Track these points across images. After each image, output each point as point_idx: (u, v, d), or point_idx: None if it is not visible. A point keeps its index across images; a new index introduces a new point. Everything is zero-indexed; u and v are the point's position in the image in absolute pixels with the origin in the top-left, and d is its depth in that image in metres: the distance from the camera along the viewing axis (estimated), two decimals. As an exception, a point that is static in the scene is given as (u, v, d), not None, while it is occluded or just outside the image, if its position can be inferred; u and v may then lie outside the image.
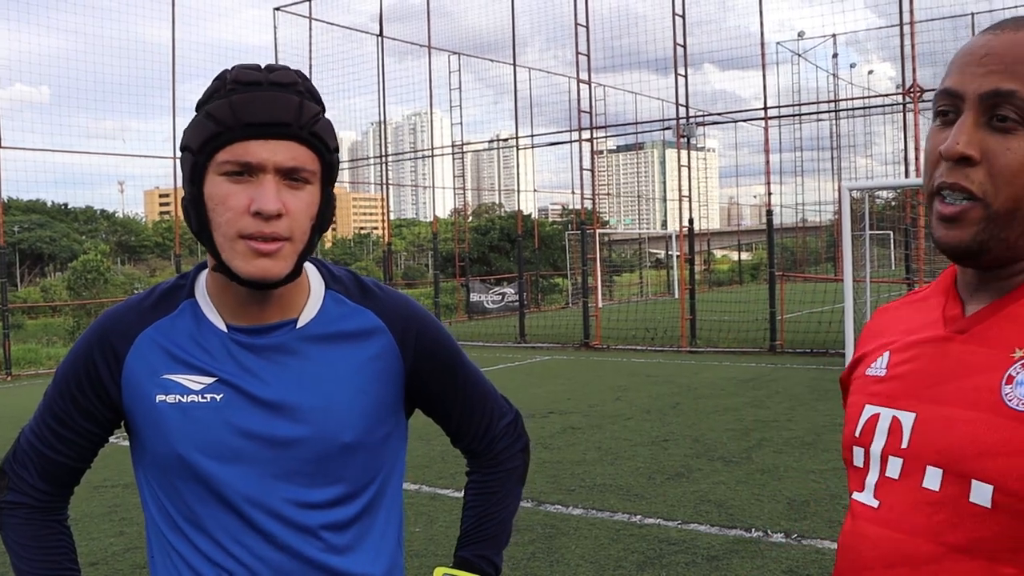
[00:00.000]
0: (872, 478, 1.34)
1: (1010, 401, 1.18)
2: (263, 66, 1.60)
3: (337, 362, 1.69)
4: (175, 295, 1.72)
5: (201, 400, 1.62)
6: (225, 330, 1.66)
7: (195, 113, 1.59)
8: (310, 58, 27.71)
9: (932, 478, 1.24)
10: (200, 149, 1.54)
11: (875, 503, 1.32)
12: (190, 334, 1.66)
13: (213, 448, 1.62)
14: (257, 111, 1.52)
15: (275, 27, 27.71)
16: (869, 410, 1.38)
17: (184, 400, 1.62)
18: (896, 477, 1.29)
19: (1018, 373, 1.20)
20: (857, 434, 1.39)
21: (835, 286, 21.16)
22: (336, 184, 1.69)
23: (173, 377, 1.64)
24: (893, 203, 31.24)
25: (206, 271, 1.72)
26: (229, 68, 1.60)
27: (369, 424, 1.70)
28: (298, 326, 1.68)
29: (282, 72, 1.58)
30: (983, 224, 1.23)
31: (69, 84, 24.28)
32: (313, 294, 1.72)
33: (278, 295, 1.66)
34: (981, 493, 1.17)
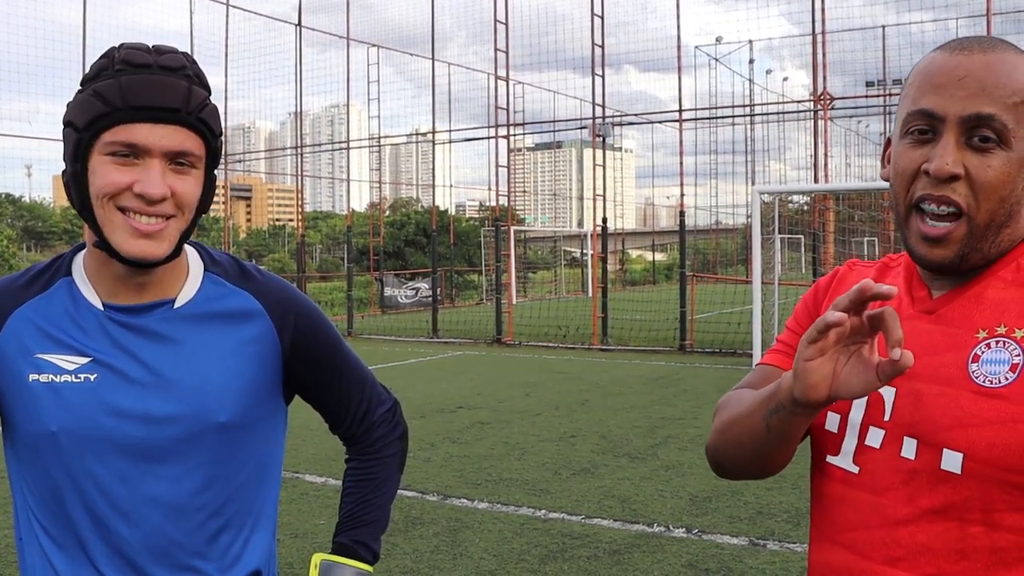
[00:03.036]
0: (850, 444, 1.45)
1: (977, 378, 1.32)
2: (152, 47, 1.59)
3: (213, 342, 1.69)
4: (51, 274, 1.70)
5: (75, 380, 1.61)
6: (102, 309, 1.65)
7: (80, 88, 1.58)
8: (226, 45, 27.32)
9: (909, 448, 1.37)
10: (86, 127, 1.53)
11: (855, 469, 1.44)
12: (65, 313, 1.65)
13: (86, 428, 1.60)
14: (146, 95, 1.52)
15: (191, 12, 27.27)
16: None
17: (57, 380, 1.61)
18: (877, 447, 1.41)
19: (983, 352, 1.34)
20: None
21: (745, 288, 21.47)
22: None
23: (46, 356, 1.62)
24: (805, 207, 31.84)
25: (83, 251, 1.71)
26: (118, 46, 1.58)
27: (245, 405, 1.70)
28: (175, 306, 1.68)
29: (171, 55, 1.58)
30: (965, 239, 1.35)
31: (-23, 63, 23.67)
32: (192, 275, 1.72)
33: (158, 275, 1.65)
34: (952, 461, 1.31)
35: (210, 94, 1.63)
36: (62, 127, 1.59)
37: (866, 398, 1.44)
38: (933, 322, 1.41)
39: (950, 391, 1.34)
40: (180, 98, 1.54)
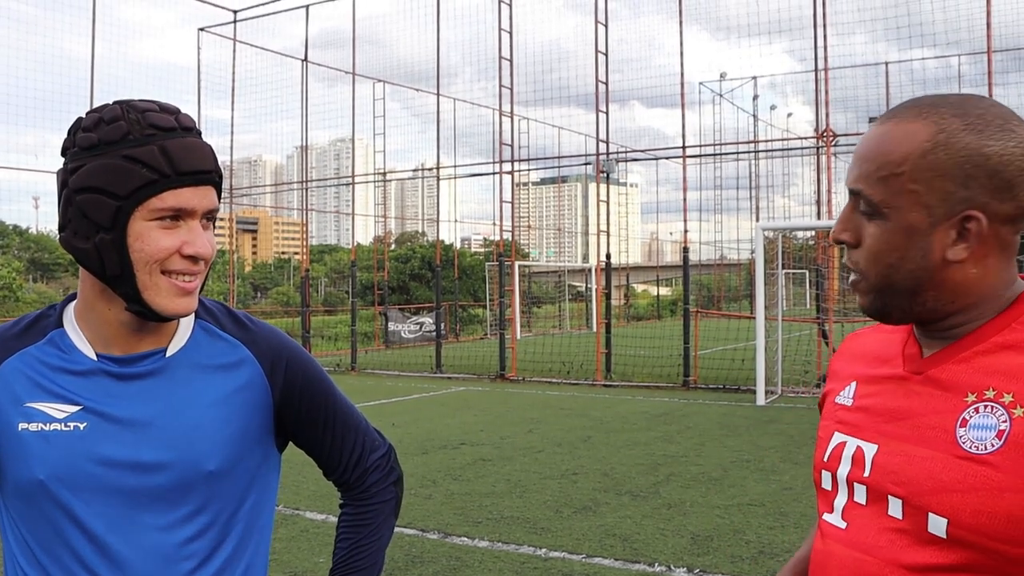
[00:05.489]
0: (840, 501, 1.46)
1: (964, 443, 1.30)
2: (159, 106, 1.62)
3: (203, 391, 1.70)
4: (42, 324, 1.72)
5: (64, 428, 1.62)
6: (95, 359, 1.66)
7: (88, 150, 1.57)
8: (233, 80, 27.51)
9: (895, 507, 1.35)
10: (129, 195, 1.55)
11: (843, 524, 1.44)
12: (57, 363, 1.66)
13: (75, 477, 1.60)
14: (191, 160, 1.57)
15: (199, 48, 27.48)
16: (837, 437, 1.50)
17: (47, 428, 1.61)
18: (864, 503, 1.41)
19: (971, 417, 1.31)
20: (825, 459, 1.51)
21: (749, 323, 21.45)
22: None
23: (37, 405, 1.63)
24: (810, 242, 31.88)
25: (74, 302, 1.73)
26: (125, 107, 1.60)
27: (235, 453, 1.71)
28: (167, 355, 1.70)
29: (185, 116, 1.63)
30: (871, 295, 1.42)
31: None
32: (183, 324, 1.74)
33: (155, 325, 1.67)
34: (937, 525, 1.29)
35: None
36: (77, 192, 1.57)
37: (851, 454, 1.45)
38: (922, 383, 1.40)
39: (937, 455, 1.32)
40: (212, 160, 1.62)
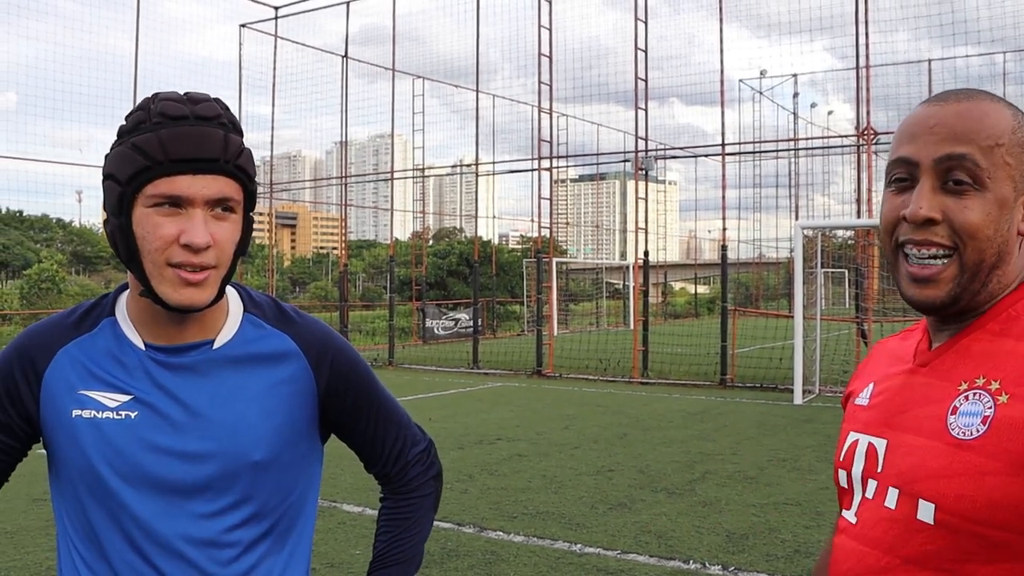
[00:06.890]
0: (856, 498, 1.50)
1: (953, 430, 1.34)
2: (187, 96, 1.64)
3: (250, 382, 1.73)
4: (96, 313, 1.76)
5: (116, 417, 1.66)
6: (143, 348, 1.70)
7: (117, 139, 1.63)
8: (274, 76, 27.70)
9: (891, 498, 1.40)
10: (128, 181, 1.58)
11: (854, 520, 1.48)
12: (109, 352, 1.71)
13: (125, 464, 1.65)
14: (186, 147, 1.57)
15: (240, 44, 27.70)
16: (851, 436, 1.55)
17: (99, 416, 1.66)
18: (871, 497, 1.45)
19: (961, 404, 1.35)
20: (841, 458, 1.55)
21: (787, 322, 21.29)
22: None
23: (90, 393, 1.68)
24: (850, 241, 31.60)
25: (126, 292, 1.77)
26: (152, 98, 1.64)
27: (280, 444, 1.74)
28: (215, 347, 1.73)
29: (206, 105, 1.63)
30: (956, 279, 1.40)
31: (36, 91, 24.17)
32: (231, 316, 1.77)
33: (199, 316, 1.71)
34: (926, 511, 1.33)
35: (243, 137, 1.68)
36: (102, 179, 1.64)
37: (864, 451, 1.49)
38: (926, 374, 1.45)
39: (930, 443, 1.37)
40: (218, 148, 1.60)
